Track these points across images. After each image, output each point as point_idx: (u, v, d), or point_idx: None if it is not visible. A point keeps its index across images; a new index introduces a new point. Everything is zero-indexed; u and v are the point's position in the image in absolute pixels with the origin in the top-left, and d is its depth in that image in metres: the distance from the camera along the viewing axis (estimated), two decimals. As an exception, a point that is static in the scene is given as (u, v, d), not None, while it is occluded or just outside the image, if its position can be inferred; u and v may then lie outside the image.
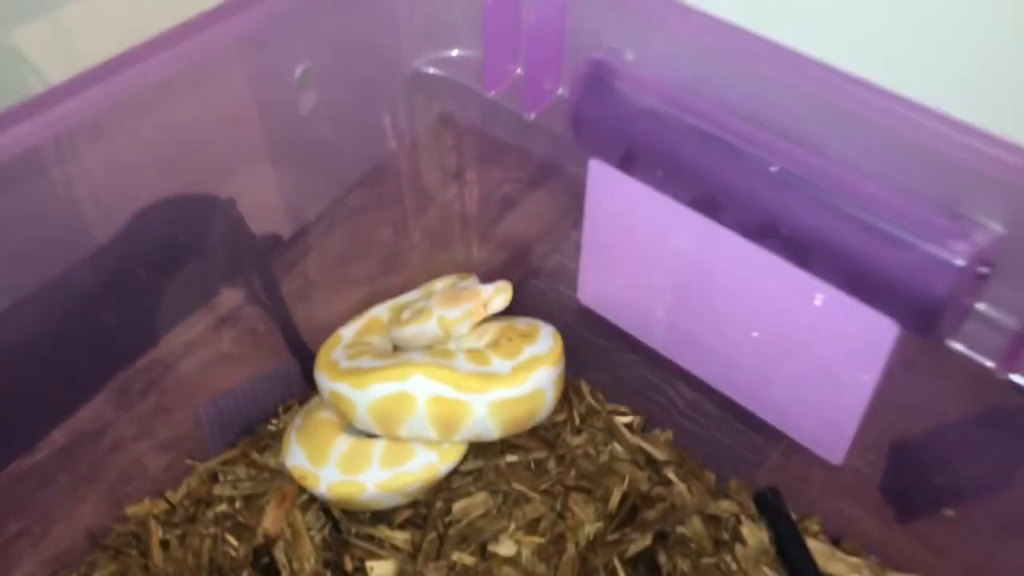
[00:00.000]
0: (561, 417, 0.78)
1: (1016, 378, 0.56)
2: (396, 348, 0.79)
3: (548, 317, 0.79)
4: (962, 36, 0.62)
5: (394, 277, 0.88)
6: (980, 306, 0.57)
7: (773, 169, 0.59)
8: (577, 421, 0.78)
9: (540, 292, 0.86)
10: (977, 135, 0.53)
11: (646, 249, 0.70)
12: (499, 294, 0.75)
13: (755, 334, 0.65)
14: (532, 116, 0.72)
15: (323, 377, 0.74)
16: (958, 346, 0.57)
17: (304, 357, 0.82)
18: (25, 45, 0.84)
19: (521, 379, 0.70)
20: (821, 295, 0.59)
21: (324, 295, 0.86)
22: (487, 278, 0.78)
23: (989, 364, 0.57)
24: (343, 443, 0.72)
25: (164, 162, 0.69)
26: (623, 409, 0.81)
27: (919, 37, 0.63)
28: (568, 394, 0.80)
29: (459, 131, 0.86)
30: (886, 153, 0.57)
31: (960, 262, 0.54)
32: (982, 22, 0.61)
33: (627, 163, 0.67)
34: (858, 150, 0.58)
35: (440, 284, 0.83)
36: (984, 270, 0.54)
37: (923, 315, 0.56)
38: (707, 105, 0.63)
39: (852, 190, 0.57)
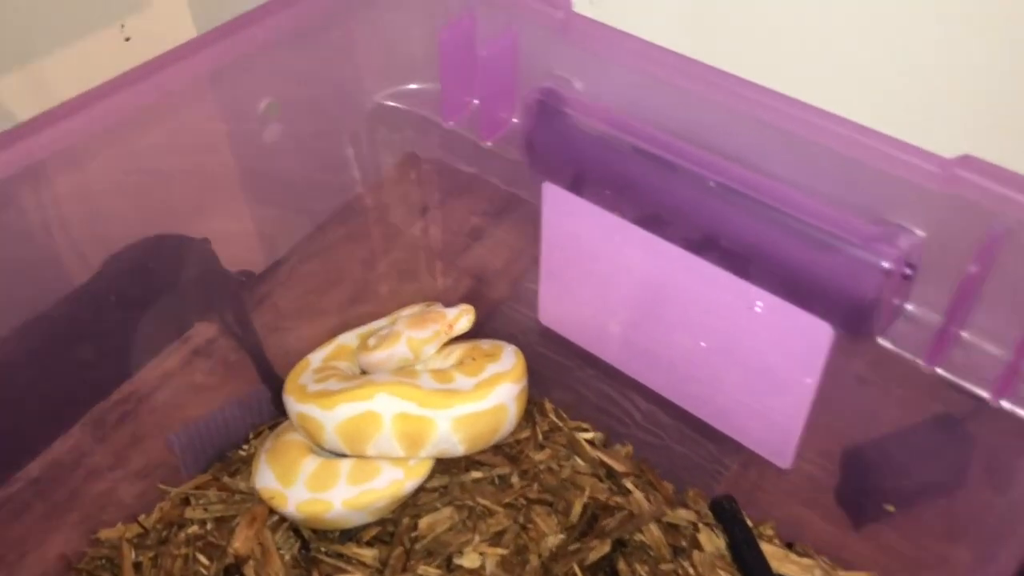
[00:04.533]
0: (525, 434, 0.80)
1: (943, 372, 0.59)
2: (364, 373, 0.81)
3: (512, 339, 0.81)
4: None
5: (363, 307, 0.90)
6: (909, 306, 0.60)
7: (711, 184, 0.62)
8: (540, 438, 0.80)
9: (504, 315, 0.88)
10: (898, 146, 0.57)
11: (599, 267, 0.72)
12: (463, 315, 0.78)
13: (703, 344, 0.68)
14: (489, 144, 0.75)
15: (291, 400, 0.76)
16: (890, 345, 0.60)
17: (275, 385, 0.83)
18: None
19: (483, 394, 0.72)
20: (760, 302, 0.62)
21: (295, 326, 0.87)
22: (452, 305, 0.80)
23: (920, 362, 0.60)
24: (311, 463, 0.73)
25: (138, 201, 0.71)
26: (585, 426, 0.82)
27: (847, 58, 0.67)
28: (532, 412, 0.82)
29: (427, 167, 0.89)
30: (816, 166, 0.60)
31: (887, 264, 0.57)
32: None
33: (578, 185, 0.70)
34: (789, 164, 0.61)
35: (407, 312, 0.86)
36: (909, 271, 0.58)
37: (856, 316, 0.59)
38: (649, 127, 0.66)
39: (785, 201, 0.60)
